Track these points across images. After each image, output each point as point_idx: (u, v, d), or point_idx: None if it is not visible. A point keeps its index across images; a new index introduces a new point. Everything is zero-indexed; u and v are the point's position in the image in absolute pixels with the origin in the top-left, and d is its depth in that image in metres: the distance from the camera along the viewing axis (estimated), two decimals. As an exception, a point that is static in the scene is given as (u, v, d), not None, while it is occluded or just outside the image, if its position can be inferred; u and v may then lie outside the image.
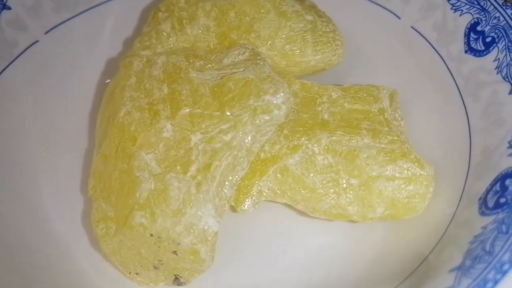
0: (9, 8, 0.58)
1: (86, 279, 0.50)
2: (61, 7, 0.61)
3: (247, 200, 0.50)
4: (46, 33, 0.61)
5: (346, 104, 0.53)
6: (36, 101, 0.59)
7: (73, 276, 0.50)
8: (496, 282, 0.37)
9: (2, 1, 0.58)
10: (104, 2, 0.64)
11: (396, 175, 0.48)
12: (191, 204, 0.44)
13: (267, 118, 0.46)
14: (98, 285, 0.50)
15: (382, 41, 0.62)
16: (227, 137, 0.46)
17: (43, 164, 0.56)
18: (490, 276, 0.37)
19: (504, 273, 0.37)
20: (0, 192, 0.53)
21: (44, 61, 0.60)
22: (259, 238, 0.52)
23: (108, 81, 0.57)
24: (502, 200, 0.43)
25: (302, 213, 0.51)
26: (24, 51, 0.59)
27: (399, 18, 0.61)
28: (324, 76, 0.58)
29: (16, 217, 0.52)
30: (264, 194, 0.50)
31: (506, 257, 0.38)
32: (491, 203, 0.44)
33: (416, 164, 0.48)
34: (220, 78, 0.49)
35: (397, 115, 0.54)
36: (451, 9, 0.57)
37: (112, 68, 0.62)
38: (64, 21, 0.62)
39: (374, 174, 0.48)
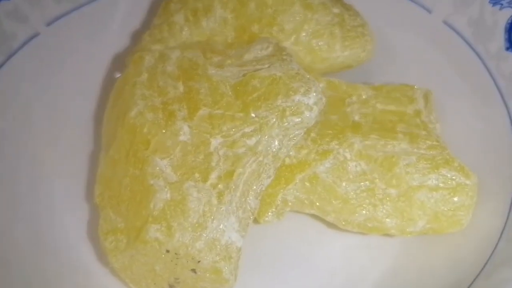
0: (8, -1, 0.55)
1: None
2: (62, -2, 0.57)
3: (270, 210, 0.46)
4: (47, 25, 0.57)
5: (378, 105, 0.49)
6: (37, 99, 0.55)
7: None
8: None
9: (-1, -9, 0.55)
10: (109, -7, 0.60)
11: (440, 184, 0.44)
12: (213, 217, 0.40)
13: (297, 120, 0.42)
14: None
15: (412, 37, 0.58)
16: (251, 141, 0.42)
17: (44, 167, 0.53)
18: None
19: None
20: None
21: (45, 56, 0.57)
22: (282, 252, 0.48)
23: (118, 76, 0.53)
24: None
25: (330, 225, 0.47)
26: (24, 44, 0.56)
27: (430, 12, 0.58)
28: (352, 73, 0.54)
29: (13, 227, 0.48)
30: (290, 204, 0.46)
31: None
32: None
33: (460, 172, 0.44)
34: (243, 76, 0.44)
35: (432, 117, 0.50)
36: (489, 2, 0.53)
37: (118, 63, 0.59)
38: (67, 13, 0.58)
39: (415, 183, 0.44)
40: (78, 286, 0.46)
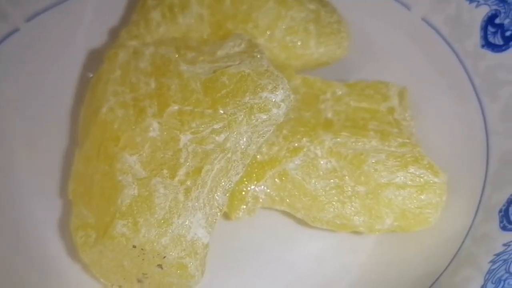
0: (-13, -7, 0.54)
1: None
2: (43, -6, 0.57)
3: (241, 206, 0.46)
4: (27, 21, 0.56)
5: (352, 102, 0.49)
6: (14, 94, 0.55)
7: (52, 285, 0.46)
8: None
9: (-21, -14, 0.54)
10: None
11: (408, 182, 0.43)
12: (179, 213, 0.40)
13: (265, 117, 0.42)
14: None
15: (390, 34, 0.58)
16: (220, 138, 0.42)
17: (20, 163, 0.52)
18: (519, 303, 0.33)
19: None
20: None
21: (25, 51, 0.56)
22: (254, 248, 0.48)
23: (91, 75, 0.52)
24: (529, 214, 0.39)
25: (301, 221, 0.47)
26: (3, 39, 0.55)
27: (409, 9, 0.57)
28: (327, 70, 0.54)
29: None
30: (261, 200, 0.46)
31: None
32: None
33: (429, 170, 0.44)
34: (213, 72, 0.44)
35: (406, 115, 0.50)
36: (466, 0, 0.52)
37: (97, 60, 0.58)
38: (48, 8, 0.58)
39: (383, 181, 0.43)
40: (50, 282, 0.46)
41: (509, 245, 0.38)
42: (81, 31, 0.59)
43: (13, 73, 0.55)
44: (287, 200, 0.45)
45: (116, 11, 0.60)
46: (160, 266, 0.40)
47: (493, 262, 0.37)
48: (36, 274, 0.46)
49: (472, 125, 0.49)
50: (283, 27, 0.51)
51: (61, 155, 0.53)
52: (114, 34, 0.59)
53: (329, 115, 0.48)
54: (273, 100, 0.41)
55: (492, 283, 0.36)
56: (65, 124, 0.55)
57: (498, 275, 0.36)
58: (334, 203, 0.44)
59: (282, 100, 0.42)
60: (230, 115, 0.42)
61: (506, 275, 0.35)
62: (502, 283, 0.35)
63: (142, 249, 0.39)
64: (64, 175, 0.52)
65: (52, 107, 0.56)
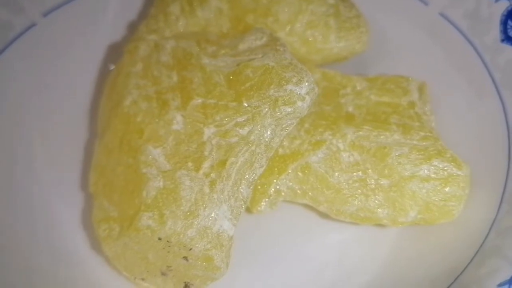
0: (4, -13, 0.54)
1: (88, 282, 0.46)
2: (60, -12, 0.57)
3: (263, 200, 0.46)
4: (44, 16, 0.56)
5: (372, 96, 0.49)
6: (33, 88, 0.55)
7: (75, 278, 0.46)
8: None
9: (-4, -21, 0.54)
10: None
11: (432, 175, 0.43)
12: (204, 205, 0.40)
13: (289, 110, 0.42)
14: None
15: (407, 28, 0.58)
16: (244, 131, 0.42)
17: (40, 156, 0.52)
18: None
19: None
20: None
21: (42, 46, 0.56)
22: (275, 242, 0.48)
23: (112, 67, 0.52)
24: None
25: (323, 215, 0.47)
26: (20, 34, 0.55)
27: (426, 4, 0.57)
28: (346, 65, 0.54)
29: (7, 215, 0.48)
30: (283, 194, 0.46)
31: None
32: None
33: (452, 163, 0.44)
34: (236, 65, 0.44)
35: (426, 109, 0.50)
36: None
37: (115, 54, 0.58)
38: (64, 3, 0.58)
39: (407, 174, 0.44)
40: (72, 274, 0.46)
41: (537, 237, 0.38)
42: (98, 26, 0.59)
43: (31, 68, 0.55)
44: (310, 193, 0.45)
45: (134, 5, 0.60)
46: (185, 258, 0.40)
47: (521, 253, 0.38)
48: (58, 267, 0.46)
49: (493, 119, 0.49)
50: (304, 21, 0.51)
51: (81, 148, 0.53)
52: (132, 28, 0.59)
53: (350, 109, 0.48)
54: (298, 93, 0.41)
55: (522, 274, 0.36)
56: (84, 117, 0.55)
57: (528, 266, 0.36)
58: (357, 196, 0.44)
59: (307, 93, 0.42)
60: (254, 108, 0.42)
61: (536, 265, 0.36)
62: (532, 273, 0.35)
63: (168, 241, 0.40)
64: (84, 168, 0.52)
65: (70, 101, 0.56)
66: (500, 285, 0.36)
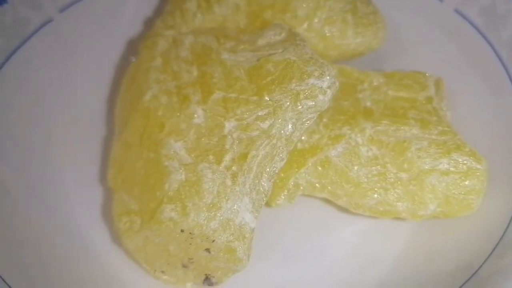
0: (21, -16, 0.55)
1: (107, 275, 0.46)
2: (76, -16, 0.58)
3: (282, 194, 0.46)
4: (61, 11, 0.57)
5: (390, 92, 0.49)
6: (50, 84, 0.56)
7: (94, 271, 0.47)
8: None
9: (14, -24, 0.55)
10: (123, -20, 0.60)
11: (451, 169, 0.44)
12: (227, 198, 0.40)
13: (311, 104, 0.42)
14: (120, 282, 0.46)
15: (423, 25, 0.58)
16: (265, 125, 0.42)
17: (58, 151, 0.53)
18: None
19: None
20: (13, 181, 0.49)
21: (59, 41, 0.57)
22: (294, 235, 0.48)
23: (133, 60, 0.53)
24: None
25: (342, 209, 0.47)
26: (37, 30, 0.56)
27: (441, 1, 0.57)
28: (363, 61, 0.55)
29: (27, 210, 0.48)
30: (301, 188, 0.47)
31: None
32: None
33: (471, 157, 0.44)
34: (257, 60, 0.44)
35: (443, 104, 0.50)
36: None
37: (132, 49, 0.59)
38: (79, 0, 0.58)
39: (426, 167, 0.44)
40: (92, 268, 0.47)
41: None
42: (113, 22, 0.59)
43: (48, 62, 0.56)
44: (329, 187, 0.46)
45: (150, 1, 0.60)
46: (207, 250, 0.41)
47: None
48: (77, 260, 0.47)
49: (508, 114, 0.50)
50: (322, 17, 0.52)
51: (99, 143, 0.54)
52: (147, 24, 0.60)
53: (368, 104, 0.48)
54: (320, 86, 0.42)
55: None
56: (101, 113, 0.56)
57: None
58: (376, 189, 0.45)
59: (329, 87, 0.42)
60: (275, 102, 0.42)
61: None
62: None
63: (190, 233, 0.40)
64: (102, 163, 0.52)
65: (87, 97, 0.56)
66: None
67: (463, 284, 0.41)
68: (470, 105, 0.53)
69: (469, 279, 0.41)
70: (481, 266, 0.41)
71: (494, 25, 0.53)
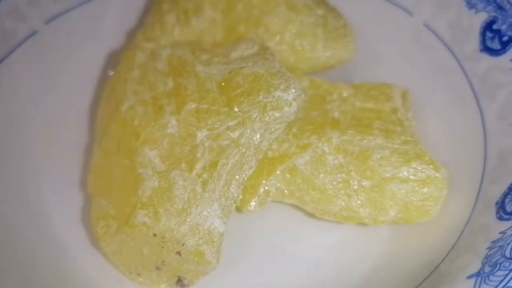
0: (9, -3, 0.57)
1: (85, 279, 0.48)
2: (61, -3, 0.60)
3: (253, 200, 0.48)
4: (46, 23, 0.59)
5: (357, 103, 0.51)
6: (35, 93, 0.57)
7: (72, 275, 0.49)
8: (520, 290, 0.36)
9: (1, -11, 0.57)
10: (106, -8, 0.62)
11: (410, 177, 0.46)
12: (197, 204, 0.42)
13: (277, 115, 0.44)
14: (97, 284, 0.48)
15: (393, 38, 0.60)
16: (235, 134, 0.44)
17: (41, 158, 0.55)
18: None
19: (529, 282, 0.36)
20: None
21: (44, 52, 0.59)
22: (265, 240, 0.50)
23: (111, 73, 0.55)
24: (522, 204, 0.42)
25: (310, 214, 0.49)
26: (23, 41, 0.58)
27: (411, 15, 0.60)
28: (334, 73, 0.57)
29: (12, 213, 0.50)
30: (271, 194, 0.49)
31: (530, 265, 0.37)
32: (509, 207, 0.43)
33: (430, 166, 0.47)
34: (228, 73, 0.47)
35: (409, 115, 0.53)
36: (466, 6, 0.56)
37: (114, 60, 0.61)
38: (65, 12, 0.60)
39: (387, 175, 0.46)
40: (70, 269, 0.48)
41: (505, 233, 0.41)
42: (97, 33, 0.61)
43: (33, 73, 0.58)
44: (297, 194, 0.48)
45: (132, 14, 0.62)
46: (178, 253, 0.43)
47: (490, 248, 0.40)
48: (57, 262, 0.49)
49: (471, 124, 0.52)
50: (293, 31, 0.54)
51: (80, 151, 0.55)
52: (130, 35, 0.62)
53: (336, 114, 0.51)
54: (285, 99, 0.44)
55: (489, 266, 0.39)
56: (83, 122, 0.57)
57: (494, 259, 0.39)
58: (341, 196, 0.47)
59: (294, 99, 0.44)
60: (244, 113, 0.44)
61: (502, 259, 0.38)
62: (498, 266, 0.38)
63: (162, 237, 0.42)
64: (83, 170, 0.54)
65: (70, 106, 0.58)
66: (469, 277, 0.39)
67: (423, 281, 0.44)
68: (436, 114, 0.55)
69: (427, 277, 0.44)
70: (437, 266, 0.44)
71: (459, 39, 0.56)
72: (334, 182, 0.47)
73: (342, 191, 0.47)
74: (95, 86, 0.60)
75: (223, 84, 0.46)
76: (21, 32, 0.57)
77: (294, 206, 0.50)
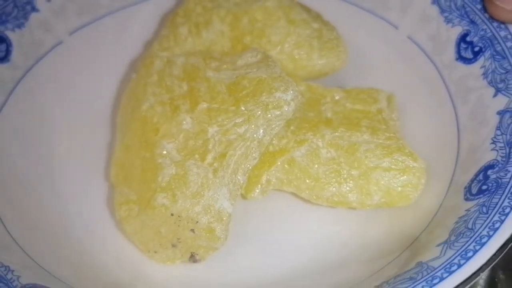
0: (38, 11, 0.63)
1: (109, 254, 0.54)
2: (83, 11, 0.66)
3: (256, 188, 0.54)
4: (70, 34, 0.65)
5: (348, 105, 0.57)
6: (60, 97, 0.63)
7: (98, 250, 0.54)
8: (475, 252, 0.42)
9: (31, 4, 0.63)
10: (124, 8, 0.68)
11: (392, 166, 0.52)
12: (209, 188, 0.49)
13: (278, 113, 0.51)
14: (120, 261, 0.54)
15: (381, 49, 0.66)
16: (241, 130, 0.50)
17: (67, 154, 0.60)
18: (471, 247, 0.43)
19: (483, 244, 0.43)
20: (32, 179, 0.57)
21: (68, 61, 0.64)
22: (266, 223, 0.55)
23: (133, 76, 0.60)
24: (484, 187, 0.48)
25: (306, 201, 0.55)
26: (49, 50, 0.63)
27: (397, 28, 0.66)
28: (328, 79, 0.62)
29: (48, 201, 0.56)
30: (272, 183, 0.54)
31: (484, 232, 0.43)
32: (474, 190, 0.49)
33: (409, 157, 0.53)
34: (235, 77, 0.53)
35: (393, 115, 0.59)
36: (444, 21, 0.61)
37: (132, 67, 0.66)
38: (88, 24, 0.66)
39: (372, 165, 0.52)
40: (96, 247, 0.54)
41: (469, 210, 0.47)
42: (117, 43, 0.67)
43: (59, 78, 0.63)
44: (294, 182, 0.54)
45: (149, 27, 0.68)
46: (192, 230, 0.49)
47: (456, 222, 0.47)
48: (84, 242, 0.54)
49: (447, 123, 0.57)
50: (292, 42, 0.59)
51: (103, 148, 0.61)
52: (146, 46, 0.67)
53: (329, 114, 0.57)
54: (285, 99, 0.50)
55: (454, 235, 0.45)
56: (105, 123, 0.63)
57: (459, 230, 0.45)
58: (332, 184, 0.52)
59: (292, 99, 0.51)
60: (249, 111, 0.50)
61: (465, 229, 0.45)
62: (461, 235, 0.44)
63: (178, 216, 0.48)
64: (106, 164, 0.60)
65: (93, 109, 0.63)
66: (438, 245, 0.45)
67: (406, 249, 0.50)
68: (418, 115, 0.60)
69: (407, 247, 0.50)
70: (416, 239, 0.50)
71: (438, 49, 0.61)
72: (327, 172, 0.53)
73: (334, 180, 0.53)
74: (115, 90, 0.65)
75: (231, 87, 0.52)
76: (48, 42, 0.63)
77: (293, 194, 0.56)
